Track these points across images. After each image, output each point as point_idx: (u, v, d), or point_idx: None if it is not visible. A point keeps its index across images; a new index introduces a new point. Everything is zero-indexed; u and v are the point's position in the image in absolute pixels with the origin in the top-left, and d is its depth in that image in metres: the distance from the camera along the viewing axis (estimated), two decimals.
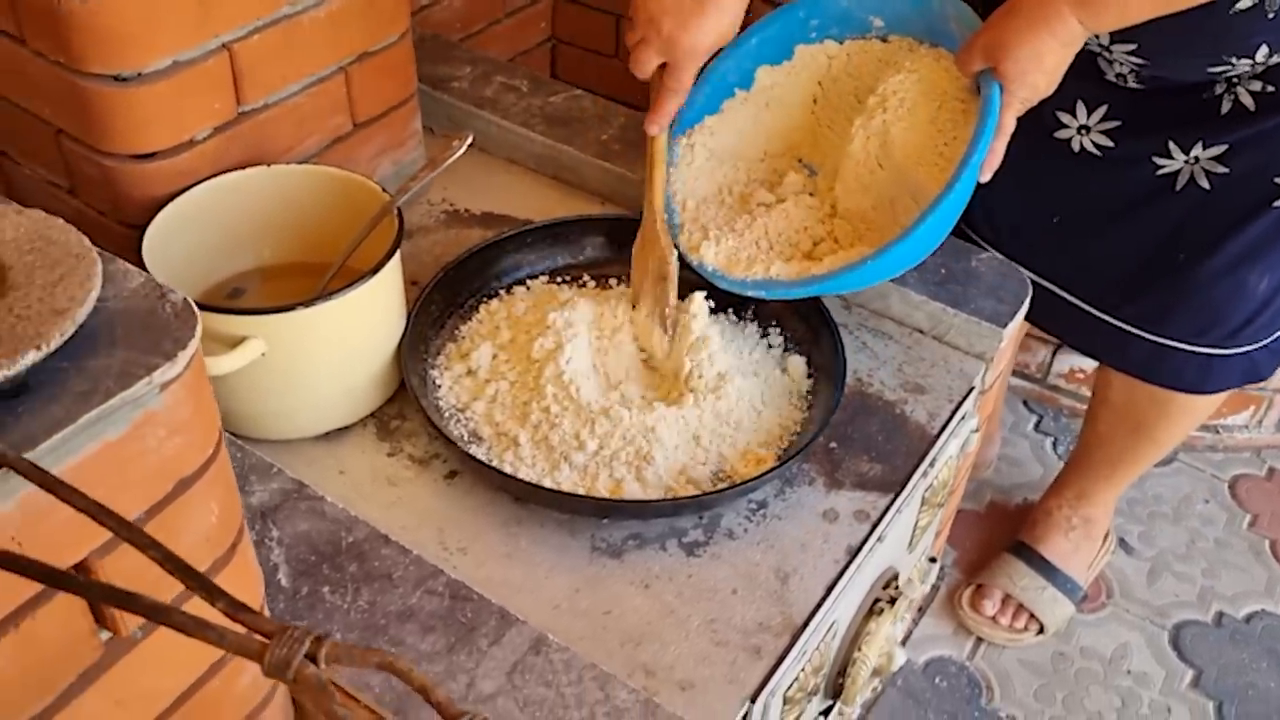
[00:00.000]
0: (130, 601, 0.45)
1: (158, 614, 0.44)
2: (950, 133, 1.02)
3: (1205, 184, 1.14)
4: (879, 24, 1.10)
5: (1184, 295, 1.21)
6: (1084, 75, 1.14)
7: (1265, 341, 1.24)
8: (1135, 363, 1.29)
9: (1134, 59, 1.09)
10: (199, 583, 0.45)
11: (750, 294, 1.05)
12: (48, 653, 0.58)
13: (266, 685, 0.77)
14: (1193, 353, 1.24)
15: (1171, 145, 1.14)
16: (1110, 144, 1.18)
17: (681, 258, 1.07)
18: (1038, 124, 1.20)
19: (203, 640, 0.44)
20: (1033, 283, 1.26)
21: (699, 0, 1.00)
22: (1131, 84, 1.13)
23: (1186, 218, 1.17)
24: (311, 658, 0.44)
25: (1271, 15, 0.98)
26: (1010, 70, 0.95)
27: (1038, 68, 0.95)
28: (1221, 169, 1.13)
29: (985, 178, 0.97)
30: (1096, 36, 1.09)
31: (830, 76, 1.13)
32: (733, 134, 1.14)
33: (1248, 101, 1.09)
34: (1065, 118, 1.18)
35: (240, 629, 0.45)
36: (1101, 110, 1.17)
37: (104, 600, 0.45)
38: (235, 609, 0.45)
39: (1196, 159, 1.13)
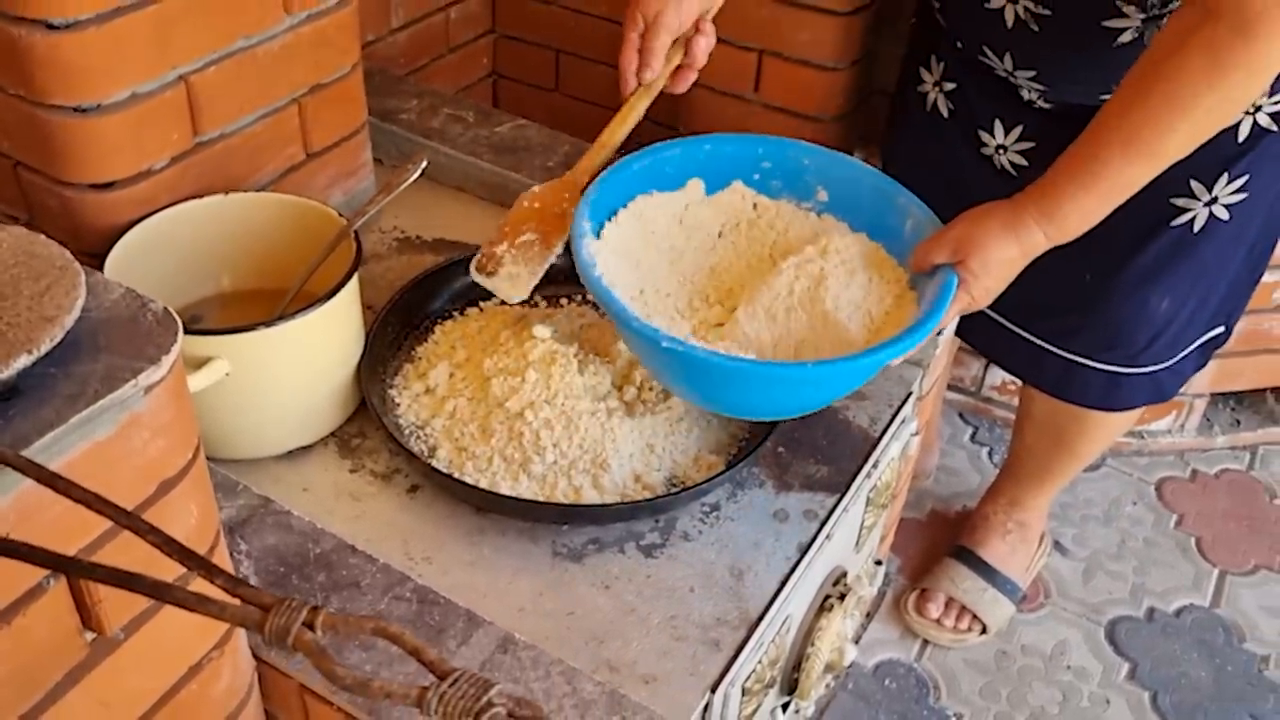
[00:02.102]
0: (134, 581, 0.47)
1: (161, 592, 0.47)
2: (882, 305, 1.00)
3: None
4: (822, 197, 1.07)
5: (1091, 313, 1.27)
6: (1001, 96, 1.21)
7: (1168, 363, 1.30)
8: (1048, 379, 1.35)
9: (1036, 84, 1.16)
10: (198, 562, 0.48)
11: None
12: (37, 651, 0.60)
13: (242, 690, 0.79)
14: (1100, 370, 1.30)
15: None
16: (1025, 163, 1.25)
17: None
18: (971, 141, 1.26)
19: (205, 614, 0.47)
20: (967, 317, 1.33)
21: None
22: (1041, 104, 1.20)
23: (1092, 238, 1.24)
24: (309, 625, 0.47)
25: None
26: (975, 267, 0.94)
27: (998, 273, 0.96)
28: None
29: (895, 363, 0.98)
30: (1001, 60, 1.16)
31: (750, 220, 1.08)
32: (637, 234, 1.05)
33: None
34: (985, 136, 1.25)
35: (238, 603, 0.48)
36: (1017, 130, 1.23)
37: (110, 582, 0.47)
38: (234, 584, 0.47)
39: None
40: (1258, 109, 1.10)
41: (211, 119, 1.05)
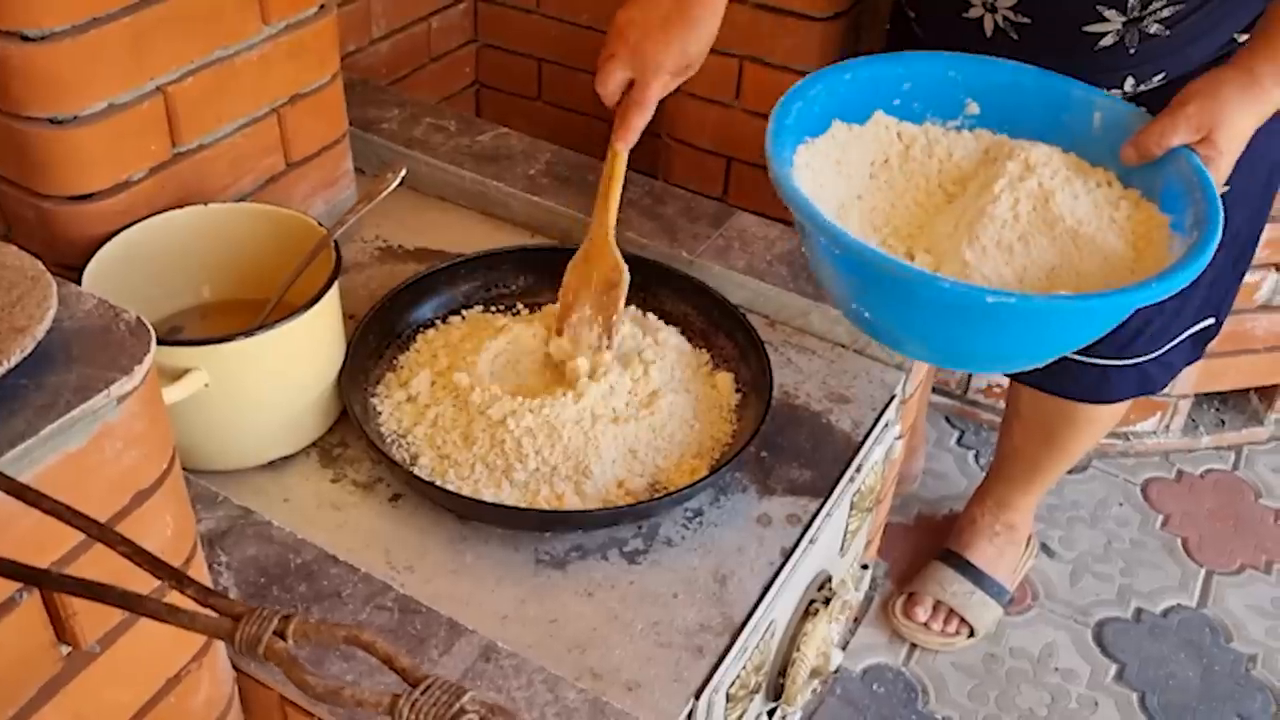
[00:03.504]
0: (105, 593, 0.47)
1: (131, 603, 0.47)
2: (1121, 209, 0.93)
3: None
4: (972, 110, 1.02)
5: None
6: None
7: (1155, 354, 1.31)
8: (1036, 375, 1.36)
9: None
10: (168, 572, 0.48)
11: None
12: (10, 665, 0.59)
13: (222, 702, 0.78)
14: (1088, 364, 1.31)
15: None
16: None
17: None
18: None
19: (175, 624, 0.46)
20: None
21: (669, 15, 0.99)
22: None
23: None
24: (280, 635, 0.46)
25: (1133, 51, 1.07)
26: (1222, 141, 0.87)
27: (1240, 146, 0.89)
28: None
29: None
30: None
31: (899, 153, 1.03)
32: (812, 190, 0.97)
33: None
34: None
35: (210, 613, 0.48)
36: None
37: (81, 593, 0.47)
38: (205, 594, 0.47)
39: None
40: None
41: (190, 129, 1.05)
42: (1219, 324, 1.34)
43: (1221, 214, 0.86)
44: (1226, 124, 0.88)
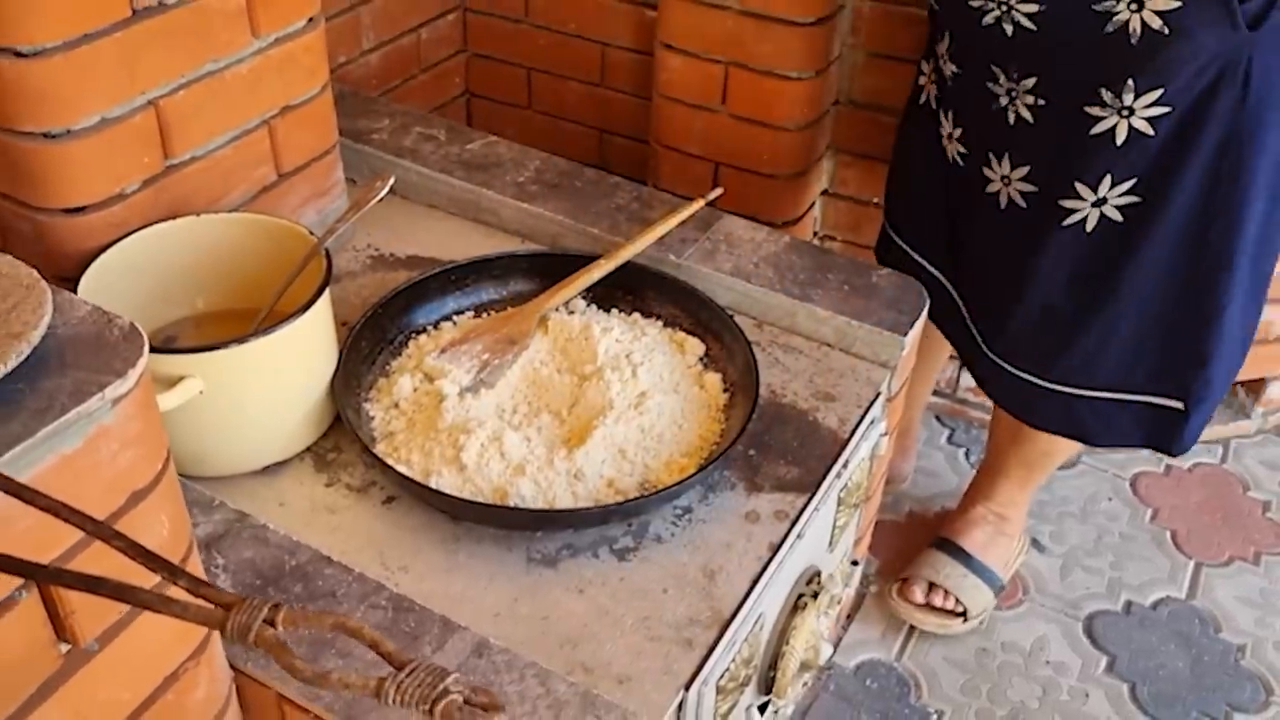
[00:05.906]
0: (99, 585, 0.48)
1: (125, 594, 0.48)
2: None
3: (1021, 203, 1.22)
4: None
5: (1003, 313, 1.29)
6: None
7: (1082, 391, 1.27)
8: (979, 375, 1.38)
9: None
10: (161, 564, 0.49)
11: None
12: (9, 662, 0.61)
13: (220, 700, 0.80)
14: (1015, 375, 1.30)
15: (991, 158, 1.23)
16: (964, 151, 1.27)
17: None
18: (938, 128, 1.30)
19: (168, 614, 0.48)
20: (945, 303, 1.36)
21: None
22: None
23: (1000, 240, 1.25)
24: (270, 623, 0.48)
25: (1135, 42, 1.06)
26: None
27: None
28: (1030, 187, 1.20)
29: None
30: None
31: None
32: None
33: (1026, 115, 1.17)
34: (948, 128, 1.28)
35: (201, 603, 0.49)
36: (952, 116, 1.27)
37: (75, 586, 0.48)
38: (196, 585, 0.49)
39: (1007, 179, 1.22)
40: (1131, 112, 1.09)
41: (182, 142, 1.07)
42: (1187, 416, 1.25)
43: None
44: None
